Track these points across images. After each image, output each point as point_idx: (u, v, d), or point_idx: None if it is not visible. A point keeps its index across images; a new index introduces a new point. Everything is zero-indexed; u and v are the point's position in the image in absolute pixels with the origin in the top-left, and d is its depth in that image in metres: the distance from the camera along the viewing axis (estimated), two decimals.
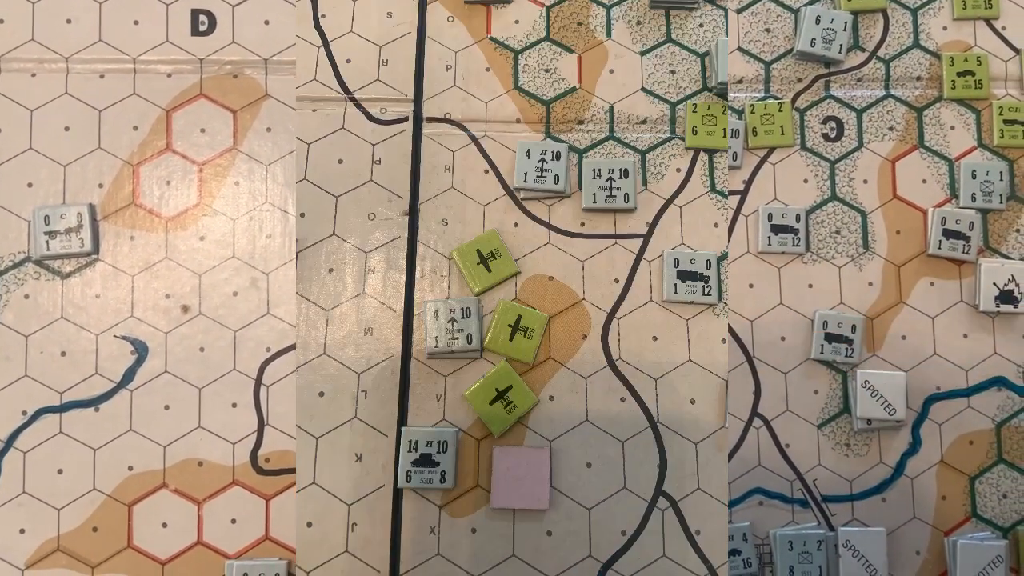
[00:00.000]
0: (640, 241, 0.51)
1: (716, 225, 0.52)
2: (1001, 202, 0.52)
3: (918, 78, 0.54)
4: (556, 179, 0.51)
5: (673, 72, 0.54)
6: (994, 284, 0.51)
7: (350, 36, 0.53)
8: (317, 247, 0.51)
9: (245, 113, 0.52)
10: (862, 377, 0.49)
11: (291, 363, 0.49)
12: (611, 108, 0.53)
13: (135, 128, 0.51)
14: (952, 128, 0.53)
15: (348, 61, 0.53)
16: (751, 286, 0.51)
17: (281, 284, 0.50)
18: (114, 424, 0.48)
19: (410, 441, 0.48)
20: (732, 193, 0.52)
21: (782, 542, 0.48)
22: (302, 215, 0.51)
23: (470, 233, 0.51)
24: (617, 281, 0.51)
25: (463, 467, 0.49)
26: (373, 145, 0.52)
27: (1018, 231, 0.52)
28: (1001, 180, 0.52)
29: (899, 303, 0.51)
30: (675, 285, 0.50)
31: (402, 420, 0.49)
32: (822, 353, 0.50)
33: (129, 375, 0.49)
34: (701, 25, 0.55)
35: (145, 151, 0.51)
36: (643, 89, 0.54)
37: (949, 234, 0.51)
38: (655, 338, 0.50)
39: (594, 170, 0.51)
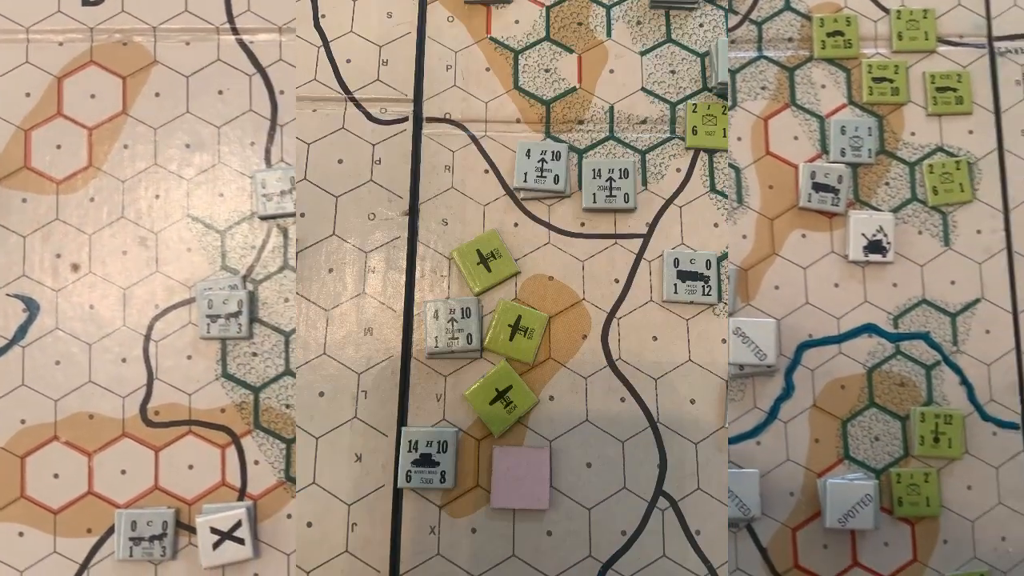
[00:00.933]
0: (640, 241, 0.51)
1: (716, 225, 0.52)
2: (870, 156, 0.53)
3: (790, 39, 0.55)
4: (556, 179, 0.51)
5: (673, 72, 0.54)
6: (863, 235, 0.52)
7: (350, 36, 0.53)
8: (317, 247, 0.51)
9: (134, 79, 0.53)
10: (734, 325, 0.50)
11: (182, 318, 0.50)
12: (611, 108, 0.53)
13: (27, 95, 0.52)
14: (823, 87, 0.55)
15: (348, 61, 0.53)
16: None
17: (169, 243, 0.51)
18: (6, 379, 0.49)
19: (410, 441, 0.48)
20: (631, 236, 0.52)
21: None
22: (302, 215, 0.51)
23: (470, 233, 0.51)
24: (617, 281, 0.51)
25: (463, 467, 0.49)
26: (373, 145, 0.52)
27: (887, 184, 0.54)
28: (870, 135, 0.53)
29: (772, 255, 0.53)
30: (675, 285, 0.50)
31: (402, 420, 0.49)
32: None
33: (21, 332, 0.50)
34: (701, 25, 0.55)
35: (36, 116, 0.52)
36: (643, 89, 0.54)
37: (819, 187, 0.52)
38: (655, 338, 0.50)
39: (594, 170, 0.51)
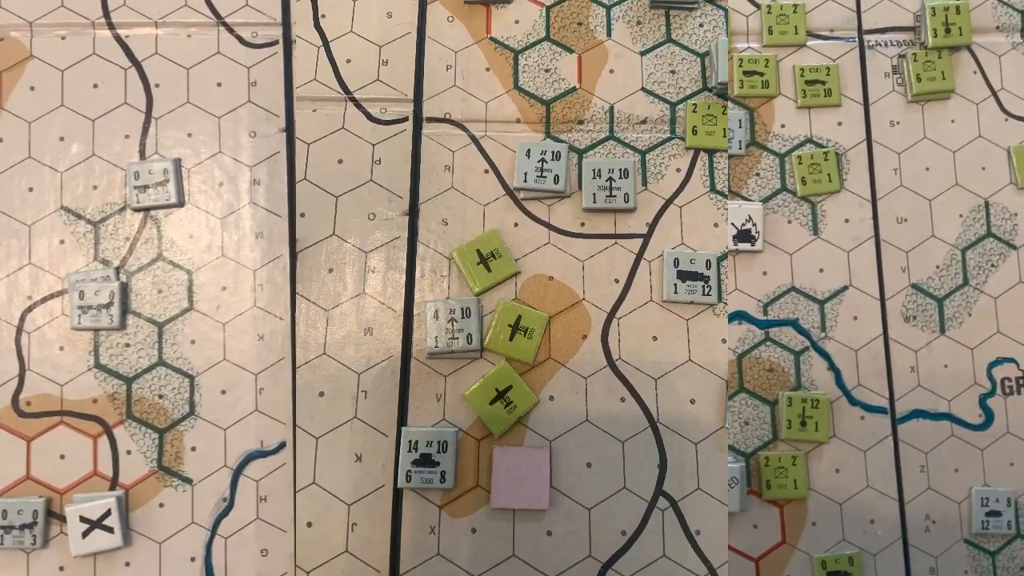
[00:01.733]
0: (640, 241, 0.52)
1: (716, 225, 0.52)
2: (741, 148, 0.54)
3: None
4: (556, 179, 0.51)
5: (673, 72, 0.54)
6: (732, 224, 0.53)
7: (350, 36, 0.53)
8: (317, 247, 0.51)
9: (10, 74, 0.53)
10: None
11: (54, 310, 0.50)
12: (611, 108, 0.53)
13: None
14: None
15: (348, 61, 0.53)
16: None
17: (42, 235, 0.51)
18: None
19: (410, 441, 0.48)
20: (631, 236, 0.52)
21: None
22: (302, 215, 0.51)
23: (470, 233, 0.51)
24: (617, 281, 0.51)
25: (463, 467, 0.49)
26: (373, 145, 0.52)
27: (758, 175, 0.54)
28: (740, 127, 0.54)
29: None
30: (675, 285, 0.51)
31: (402, 420, 0.49)
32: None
33: None
34: (701, 25, 0.55)
35: None
36: (643, 89, 0.54)
37: None
38: (655, 338, 0.50)
39: (594, 170, 0.51)
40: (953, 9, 0.55)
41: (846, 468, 0.52)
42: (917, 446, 0.52)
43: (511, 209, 0.52)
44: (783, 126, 0.55)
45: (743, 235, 0.53)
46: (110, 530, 0.48)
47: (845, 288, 0.53)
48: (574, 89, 0.54)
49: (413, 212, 0.51)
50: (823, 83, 0.55)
